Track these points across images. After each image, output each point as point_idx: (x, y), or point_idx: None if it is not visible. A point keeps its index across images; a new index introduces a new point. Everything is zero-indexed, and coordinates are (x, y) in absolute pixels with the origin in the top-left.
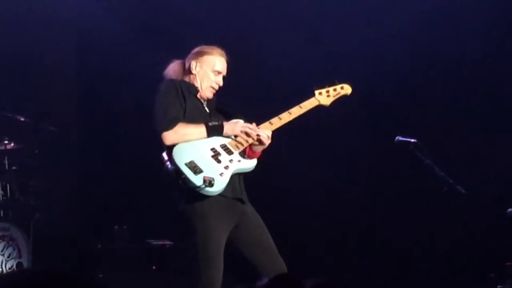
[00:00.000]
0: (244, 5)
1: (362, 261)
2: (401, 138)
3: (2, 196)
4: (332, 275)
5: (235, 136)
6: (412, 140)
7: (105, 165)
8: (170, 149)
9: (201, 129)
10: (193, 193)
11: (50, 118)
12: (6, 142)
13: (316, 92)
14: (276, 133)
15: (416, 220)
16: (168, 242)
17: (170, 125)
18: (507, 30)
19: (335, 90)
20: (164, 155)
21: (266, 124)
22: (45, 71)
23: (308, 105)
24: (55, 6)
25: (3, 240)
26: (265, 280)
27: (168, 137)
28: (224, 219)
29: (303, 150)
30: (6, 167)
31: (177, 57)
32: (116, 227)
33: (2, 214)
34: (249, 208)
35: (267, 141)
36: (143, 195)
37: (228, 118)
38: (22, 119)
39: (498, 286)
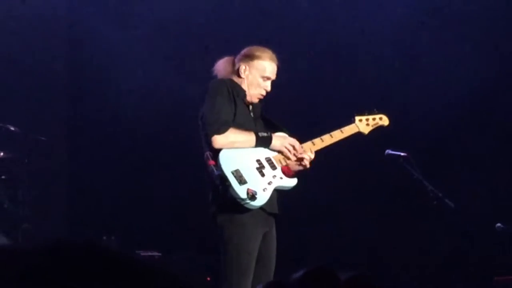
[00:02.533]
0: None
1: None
2: (391, 152)
3: None
4: None
5: (280, 151)
6: (402, 154)
7: (95, 176)
8: (215, 152)
9: (250, 138)
10: (231, 202)
11: (40, 127)
12: None
13: (356, 118)
14: None
15: (405, 234)
16: (156, 253)
17: (221, 129)
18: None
19: (374, 119)
20: (208, 155)
21: (309, 143)
22: (35, 80)
23: (348, 130)
24: (45, 14)
25: None
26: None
27: (218, 141)
28: (259, 229)
29: None
30: None
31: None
32: (104, 237)
33: None
34: (274, 222)
35: (308, 165)
36: (132, 206)
37: (273, 129)
38: (12, 128)
39: None
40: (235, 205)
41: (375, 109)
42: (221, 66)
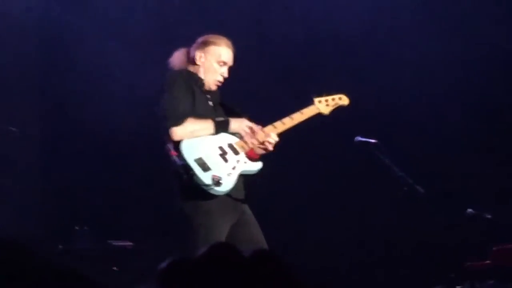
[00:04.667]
0: None
1: (322, 261)
2: (360, 138)
3: None
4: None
5: (241, 137)
6: (372, 141)
7: (67, 166)
8: (176, 143)
9: (208, 125)
10: (197, 191)
11: (11, 118)
12: None
13: (316, 100)
14: None
15: (375, 220)
16: (129, 243)
17: (179, 121)
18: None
19: (333, 99)
20: (170, 146)
21: (270, 127)
22: (6, 70)
23: (308, 112)
24: (15, 6)
25: None
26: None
27: (177, 132)
28: (227, 217)
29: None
30: None
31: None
32: (77, 227)
33: None
34: (246, 207)
35: (271, 147)
36: (105, 195)
37: (234, 116)
38: None
39: (457, 287)
40: (201, 194)
41: (333, 91)
42: (176, 58)
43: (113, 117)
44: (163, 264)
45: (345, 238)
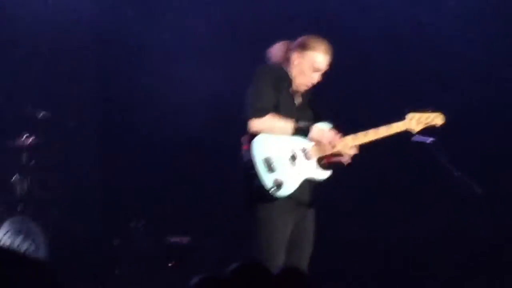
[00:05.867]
0: None
1: (368, 260)
2: (417, 138)
3: (21, 191)
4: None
5: (319, 143)
6: (429, 140)
7: (125, 161)
8: (251, 136)
9: (288, 126)
10: (261, 189)
11: (69, 113)
12: (25, 137)
13: (408, 115)
14: None
15: (432, 220)
16: (186, 239)
17: (259, 113)
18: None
19: (427, 118)
20: (244, 139)
21: (350, 137)
22: (64, 66)
23: (396, 127)
24: (72, 2)
25: (20, 235)
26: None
27: (255, 125)
28: (289, 220)
29: None
30: (25, 162)
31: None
32: (134, 223)
33: (20, 209)
34: (310, 213)
35: (346, 160)
36: (162, 191)
37: (316, 118)
38: (41, 114)
39: None
40: (265, 196)
41: (429, 108)
42: (275, 51)
43: (173, 115)
44: (195, 279)
45: (402, 236)
